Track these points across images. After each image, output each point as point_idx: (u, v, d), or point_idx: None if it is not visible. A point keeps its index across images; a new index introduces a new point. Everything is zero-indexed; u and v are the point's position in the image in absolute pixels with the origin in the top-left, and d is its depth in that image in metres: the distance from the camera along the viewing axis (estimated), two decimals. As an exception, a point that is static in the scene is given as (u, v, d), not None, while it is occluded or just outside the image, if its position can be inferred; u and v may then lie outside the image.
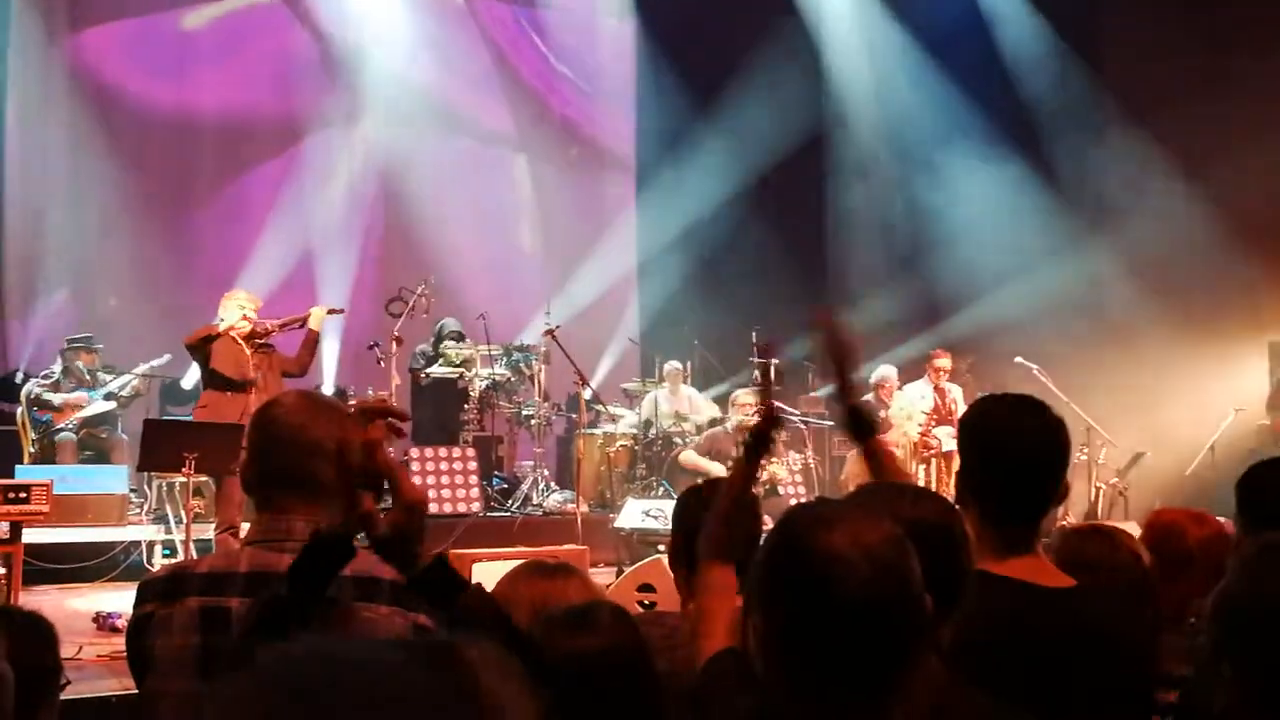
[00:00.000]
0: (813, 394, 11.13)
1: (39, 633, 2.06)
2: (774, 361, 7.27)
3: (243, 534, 5.37)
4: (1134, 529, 7.97)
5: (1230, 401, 9.76)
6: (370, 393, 9.12)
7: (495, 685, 0.65)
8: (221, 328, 7.15)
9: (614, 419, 10.18)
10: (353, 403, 6.88)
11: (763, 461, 2.27)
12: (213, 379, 7.18)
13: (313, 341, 7.54)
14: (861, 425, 2.35)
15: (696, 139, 12.15)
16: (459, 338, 10.03)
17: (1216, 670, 1.40)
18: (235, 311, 7.20)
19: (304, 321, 7.51)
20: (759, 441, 2.18)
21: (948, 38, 11.73)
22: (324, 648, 0.64)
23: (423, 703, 0.62)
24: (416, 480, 8.82)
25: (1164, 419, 10.05)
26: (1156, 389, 10.34)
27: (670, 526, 2.62)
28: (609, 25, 12.86)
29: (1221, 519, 2.99)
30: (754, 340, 9.83)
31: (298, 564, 1.74)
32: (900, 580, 1.39)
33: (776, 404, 2.21)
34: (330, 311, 7.85)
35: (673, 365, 10.26)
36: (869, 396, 10.04)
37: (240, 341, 7.13)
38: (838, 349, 2.33)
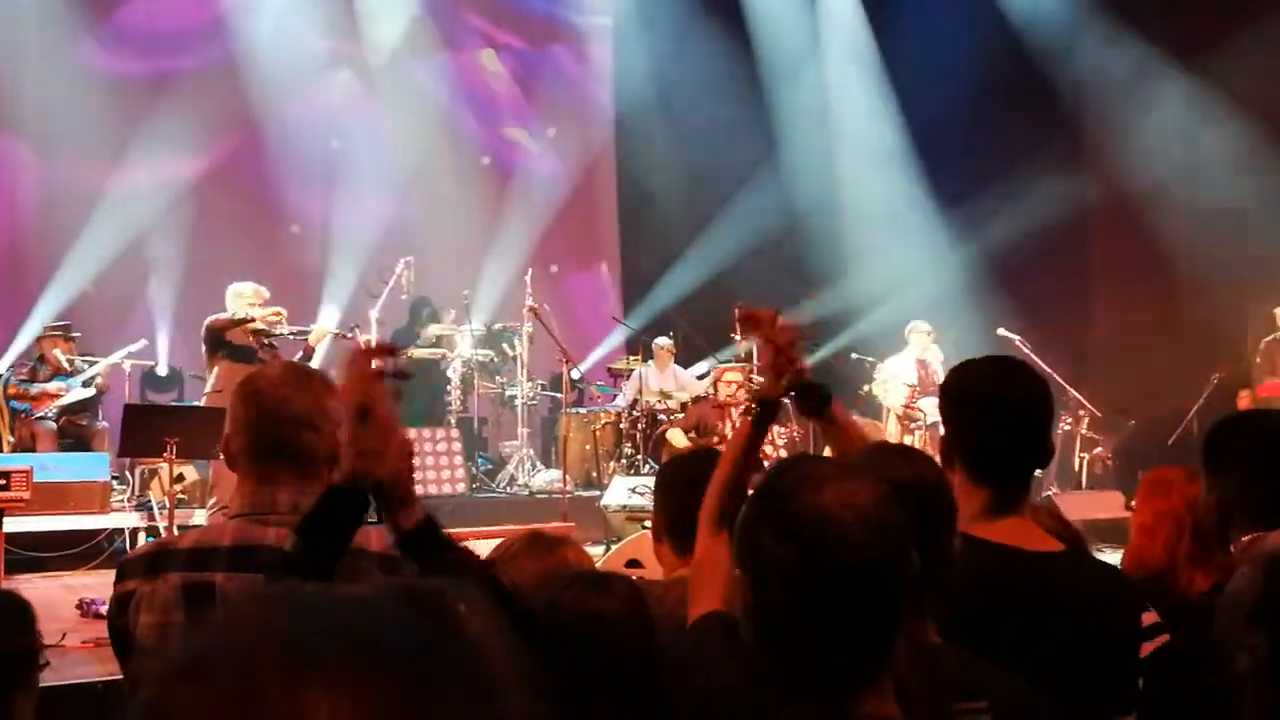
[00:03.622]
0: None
1: (15, 613, 2.00)
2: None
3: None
4: (1118, 497, 8.03)
5: (1211, 371, 9.80)
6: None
7: (481, 632, 0.64)
8: (258, 313, 7.36)
9: (599, 398, 10.19)
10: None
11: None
12: (231, 353, 7.21)
13: (307, 358, 7.62)
14: (810, 399, 2.24)
15: (683, 102, 12.14)
16: (433, 315, 10.00)
17: (1251, 634, 1.38)
18: (245, 308, 7.36)
19: (308, 335, 7.72)
20: (770, 408, 2.09)
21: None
22: (308, 591, 0.63)
23: (411, 644, 0.60)
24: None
25: (1147, 389, 10.10)
26: (1140, 359, 10.39)
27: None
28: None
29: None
30: (736, 315, 9.78)
31: (308, 518, 1.69)
32: (893, 541, 1.36)
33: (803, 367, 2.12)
34: (336, 335, 8.26)
35: (662, 341, 10.21)
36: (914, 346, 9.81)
37: (250, 336, 7.36)
38: (778, 337, 2.18)
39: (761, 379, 2.10)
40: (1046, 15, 11.24)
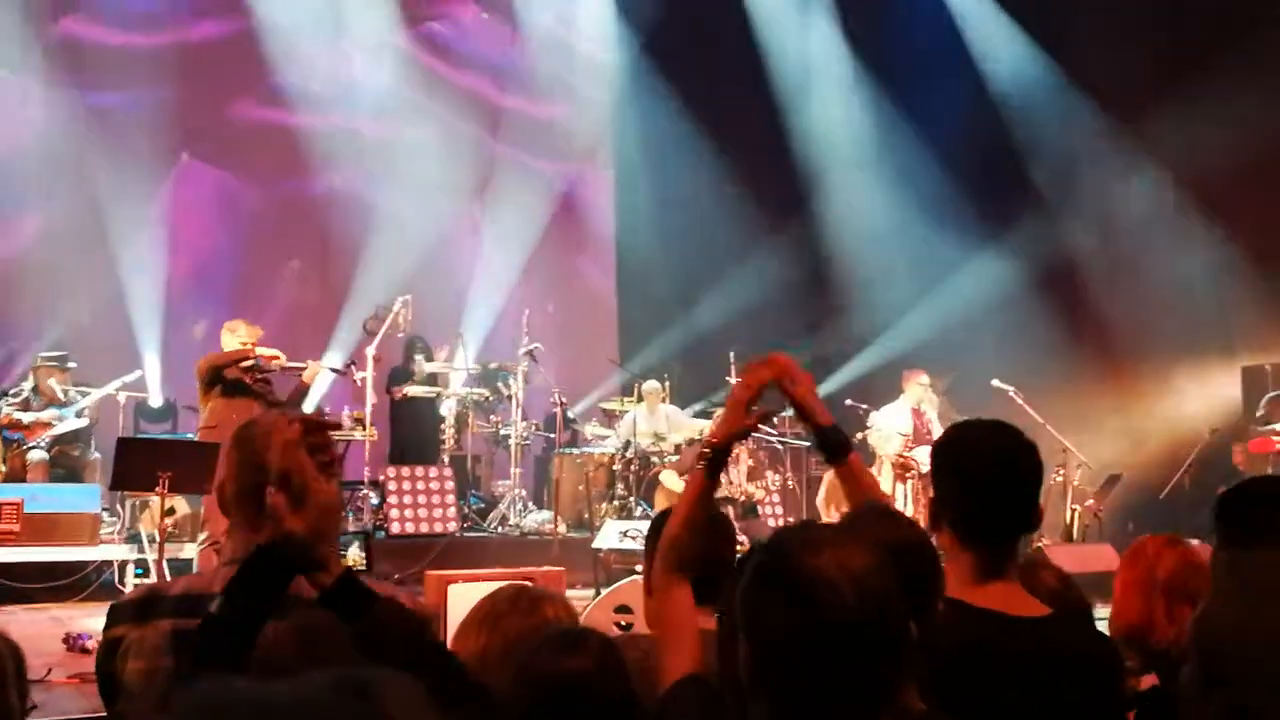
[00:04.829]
0: (789, 414, 11.14)
1: (8, 660, 1.98)
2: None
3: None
4: (1108, 551, 8.02)
5: (1203, 425, 9.83)
6: (346, 412, 9.06)
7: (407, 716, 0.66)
8: (259, 351, 7.46)
9: (590, 439, 10.19)
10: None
11: (726, 479, 2.26)
12: (226, 389, 7.24)
13: (301, 394, 7.71)
14: (835, 447, 2.32)
15: (677, 146, 12.20)
16: (426, 353, 10.01)
17: (1203, 695, 1.40)
18: (240, 345, 7.46)
19: (301, 371, 7.76)
20: (719, 455, 2.12)
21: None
22: (239, 690, 0.65)
23: None
24: (393, 500, 8.80)
25: (1138, 442, 10.12)
26: (1131, 413, 10.42)
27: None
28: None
29: (1194, 541, 3.02)
30: (731, 360, 9.84)
31: (234, 579, 1.68)
32: (885, 605, 1.39)
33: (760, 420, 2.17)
34: (333, 370, 8.51)
35: (651, 385, 10.25)
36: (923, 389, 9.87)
37: (242, 373, 7.38)
38: (789, 385, 2.26)
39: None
40: (1027, 84, 11.51)
